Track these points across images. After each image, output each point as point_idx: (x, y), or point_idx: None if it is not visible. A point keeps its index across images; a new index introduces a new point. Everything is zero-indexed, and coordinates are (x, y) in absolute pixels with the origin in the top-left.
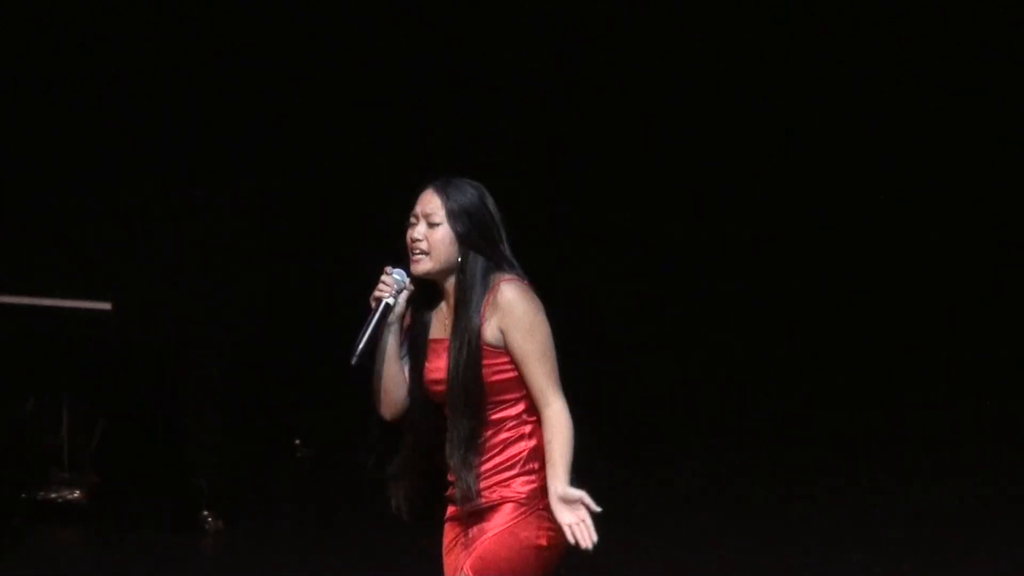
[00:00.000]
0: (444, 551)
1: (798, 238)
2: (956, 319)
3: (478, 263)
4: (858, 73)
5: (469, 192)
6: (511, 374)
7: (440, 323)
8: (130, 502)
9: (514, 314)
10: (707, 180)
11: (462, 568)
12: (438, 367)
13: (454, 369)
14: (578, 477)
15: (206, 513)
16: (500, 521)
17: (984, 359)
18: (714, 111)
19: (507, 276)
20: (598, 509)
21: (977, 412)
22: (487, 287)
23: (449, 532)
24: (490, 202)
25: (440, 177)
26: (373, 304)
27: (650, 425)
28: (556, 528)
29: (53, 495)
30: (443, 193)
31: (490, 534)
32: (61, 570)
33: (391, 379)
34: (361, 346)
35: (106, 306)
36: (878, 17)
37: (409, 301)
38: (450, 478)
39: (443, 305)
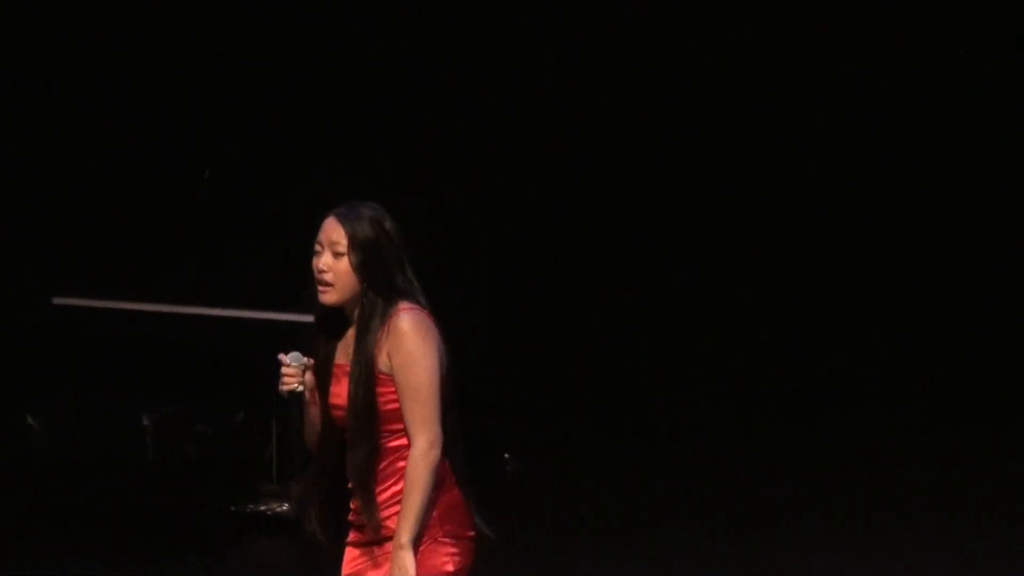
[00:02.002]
0: (344, 574)
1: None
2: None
3: (379, 291)
4: (858, 73)
5: (370, 218)
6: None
7: (344, 349)
8: (337, 514)
9: (402, 346)
10: (707, 180)
11: None
12: (339, 393)
13: (352, 396)
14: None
15: None
16: (388, 547)
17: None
18: (713, 111)
19: (406, 305)
20: None
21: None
22: (387, 315)
23: (351, 556)
24: (391, 228)
25: (343, 204)
26: (285, 396)
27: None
28: (460, 551)
29: (262, 507)
30: (346, 223)
31: (386, 563)
32: None
33: (315, 418)
34: (295, 439)
35: (311, 319)
36: (878, 17)
37: (316, 329)
38: (352, 504)
39: (349, 331)
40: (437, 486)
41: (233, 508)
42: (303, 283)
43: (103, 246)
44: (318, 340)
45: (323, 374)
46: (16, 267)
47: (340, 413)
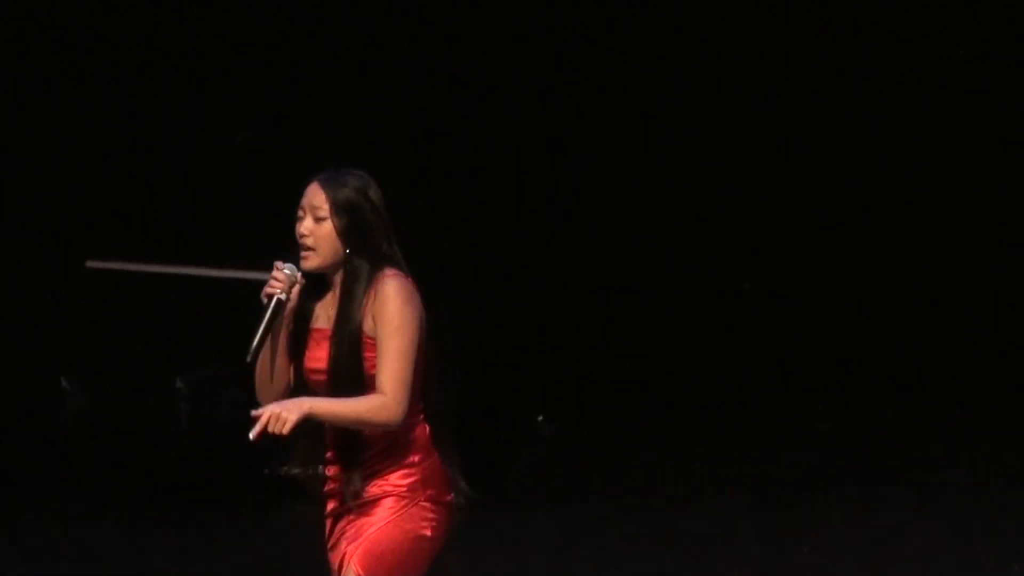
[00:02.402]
0: (328, 547)
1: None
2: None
3: (364, 258)
4: (858, 73)
5: (354, 185)
6: None
7: (325, 313)
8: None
9: (386, 309)
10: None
11: (348, 563)
12: (319, 357)
13: (335, 361)
14: None
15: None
16: (384, 515)
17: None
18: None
19: (392, 271)
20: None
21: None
22: (372, 280)
23: (330, 527)
24: (375, 194)
25: (326, 170)
26: (265, 300)
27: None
28: (438, 518)
29: (296, 470)
30: (328, 188)
31: (375, 528)
32: (303, 545)
33: (275, 369)
34: (256, 343)
35: None
36: (878, 17)
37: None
38: (329, 472)
39: (329, 296)
40: (419, 451)
41: (267, 472)
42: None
43: (138, 208)
44: (297, 303)
45: (300, 337)
46: (50, 229)
47: (319, 377)
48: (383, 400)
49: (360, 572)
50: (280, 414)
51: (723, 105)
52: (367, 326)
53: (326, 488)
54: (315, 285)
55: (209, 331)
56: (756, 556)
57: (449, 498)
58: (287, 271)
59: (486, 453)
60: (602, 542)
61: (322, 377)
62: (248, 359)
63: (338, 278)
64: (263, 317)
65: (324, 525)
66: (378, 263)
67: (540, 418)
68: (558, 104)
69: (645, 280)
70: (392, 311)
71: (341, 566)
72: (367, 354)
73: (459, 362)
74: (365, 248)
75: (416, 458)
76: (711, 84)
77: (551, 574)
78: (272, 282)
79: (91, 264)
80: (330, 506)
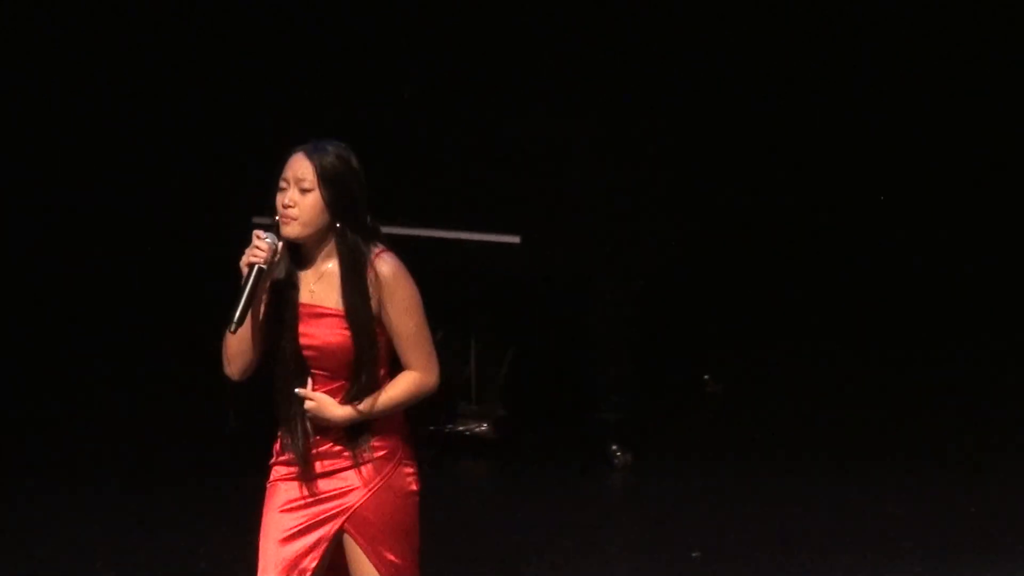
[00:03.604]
0: (276, 508)
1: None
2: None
3: (354, 230)
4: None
5: (339, 155)
6: (383, 345)
7: (306, 288)
8: (538, 435)
9: (396, 293)
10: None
11: (333, 528)
12: (312, 333)
13: (359, 345)
14: None
15: (615, 447)
16: (370, 477)
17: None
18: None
19: (380, 248)
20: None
21: None
22: (367, 258)
23: (288, 491)
24: (358, 165)
25: (309, 141)
26: (245, 270)
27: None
28: (416, 472)
29: (461, 428)
30: (314, 158)
31: (365, 491)
32: (469, 503)
33: (246, 341)
34: (239, 314)
35: (514, 239)
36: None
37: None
38: (287, 439)
39: (310, 269)
40: (407, 409)
41: (432, 428)
42: (498, 203)
43: None
44: (276, 274)
45: (286, 311)
46: (217, 186)
47: (313, 353)
48: (417, 377)
49: (359, 539)
50: (322, 414)
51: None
52: (373, 306)
53: (284, 458)
54: (287, 257)
55: None
56: (923, 521)
57: (418, 452)
58: (268, 240)
59: (652, 411)
60: (766, 502)
61: (310, 352)
62: (232, 330)
63: (319, 251)
64: (244, 287)
65: (278, 486)
66: (368, 238)
67: (706, 376)
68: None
69: (820, 239)
70: (401, 291)
71: (308, 530)
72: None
73: (628, 320)
74: (352, 220)
75: (396, 421)
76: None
77: (715, 532)
78: (254, 251)
79: (257, 220)
80: (288, 471)
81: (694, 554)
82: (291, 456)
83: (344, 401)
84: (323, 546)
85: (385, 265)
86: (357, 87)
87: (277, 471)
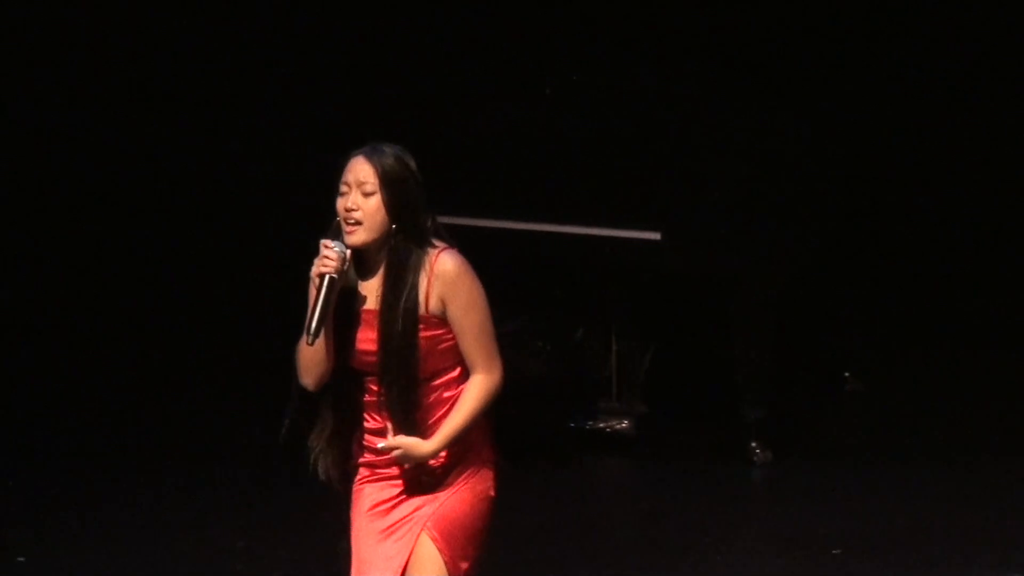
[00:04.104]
0: (364, 511)
1: None
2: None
3: (410, 232)
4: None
5: (398, 159)
6: (453, 342)
7: (372, 294)
8: (678, 432)
9: (456, 288)
10: None
11: (418, 529)
12: (370, 338)
13: (386, 339)
14: None
15: (754, 444)
16: (455, 478)
17: None
18: None
19: (443, 246)
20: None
21: None
22: (424, 257)
23: (374, 493)
24: (415, 167)
25: (367, 144)
26: (317, 280)
27: None
28: (496, 476)
29: (601, 424)
30: (375, 161)
31: (449, 492)
32: (610, 499)
33: (321, 352)
34: (316, 324)
35: (655, 236)
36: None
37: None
38: (376, 444)
39: (372, 275)
40: (486, 414)
41: (572, 425)
42: (642, 201)
43: (444, 163)
44: (344, 282)
45: (349, 318)
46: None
47: (370, 358)
48: (481, 380)
49: (437, 537)
50: (412, 457)
51: None
52: (432, 305)
53: (360, 460)
54: (353, 264)
55: (513, 286)
56: None
57: (497, 456)
58: (336, 249)
59: (792, 409)
60: (906, 500)
61: (372, 358)
62: (309, 342)
63: (383, 255)
64: (318, 297)
65: (361, 493)
66: (424, 238)
67: (847, 374)
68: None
69: (960, 237)
70: (463, 288)
71: (397, 530)
72: (430, 333)
73: (769, 317)
74: (411, 222)
75: (484, 420)
76: None
77: (855, 530)
78: (324, 260)
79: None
80: (368, 474)
81: (835, 551)
82: (372, 458)
83: (398, 408)
84: (410, 547)
85: (445, 263)
86: (501, 83)
87: (361, 474)
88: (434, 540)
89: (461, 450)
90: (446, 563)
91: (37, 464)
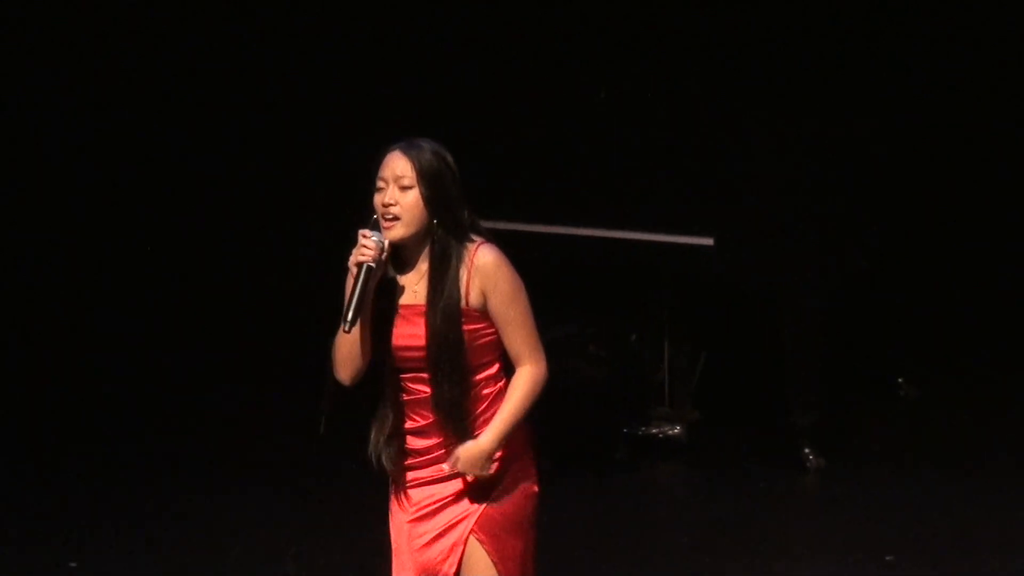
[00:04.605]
0: (405, 517)
1: None
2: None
3: (448, 227)
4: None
5: (435, 153)
6: (493, 337)
7: (410, 289)
8: (730, 438)
9: (497, 280)
10: None
11: (467, 531)
12: (409, 333)
13: (434, 335)
14: None
15: (807, 450)
16: (500, 476)
17: None
18: None
19: (480, 240)
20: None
21: None
22: (463, 251)
23: (414, 498)
24: (452, 161)
25: (403, 139)
26: (355, 269)
27: None
28: (538, 471)
29: (654, 430)
30: (411, 155)
31: (495, 491)
32: (661, 505)
33: (357, 345)
34: (353, 313)
35: (708, 241)
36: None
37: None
38: (416, 445)
39: (411, 270)
40: (534, 406)
41: (624, 431)
42: (695, 205)
43: (496, 168)
44: (380, 276)
45: (387, 313)
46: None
47: (410, 354)
48: (528, 372)
49: (484, 539)
50: (475, 462)
51: None
52: (473, 299)
53: (405, 462)
54: (391, 260)
55: (567, 291)
56: None
57: (538, 451)
58: (375, 238)
59: (846, 415)
60: (960, 507)
61: (413, 354)
62: (346, 329)
63: (421, 250)
64: (356, 286)
65: (400, 495)
66: (463, 232)
67: (901, 380)
68: None
69: (1018, 242)
70: (504, 280)
71: (443, 534)
72: (470, 326)
73: (822, 323)
74: (449, 216)
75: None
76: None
77: (908, 537)
78: (362, 250)
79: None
80: (411, 477)
81: (887, 557)
82: (413, 460)
83: (444, 404)
84: (459, 549)
85: (485, 256)
86: (555, 88)
87: (397, 479)
88: (481, 542)
89: (504, 446)
90: (495, 564)
91: (88, 470)
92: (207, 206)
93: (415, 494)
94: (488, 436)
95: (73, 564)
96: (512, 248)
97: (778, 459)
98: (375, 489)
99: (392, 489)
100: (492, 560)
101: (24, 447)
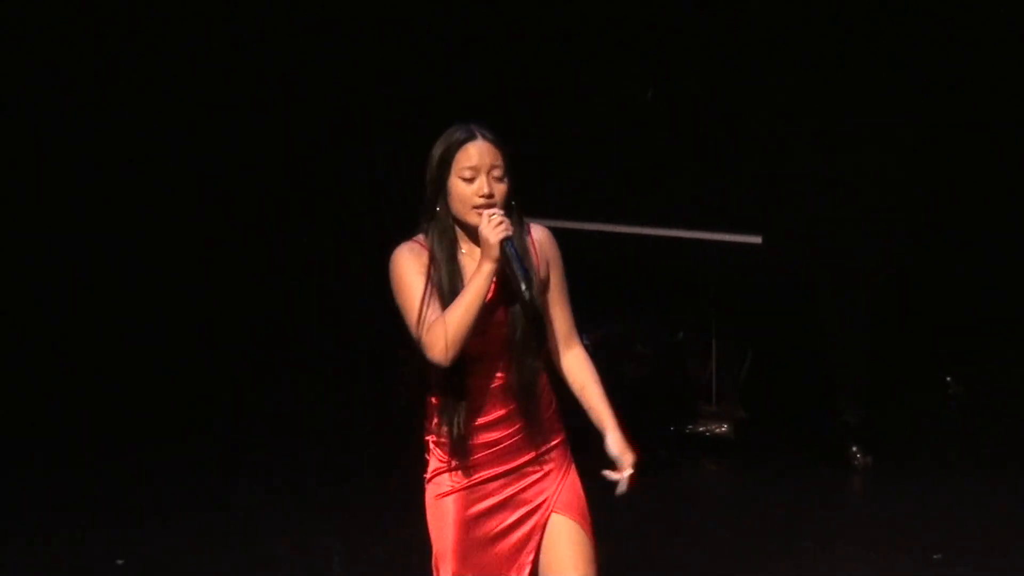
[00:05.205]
0: (466, 518)
1: None
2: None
3: (517, 206)
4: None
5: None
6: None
7: (472, 270)
8: (777, 436)
9: (556, 253)
10: None
11: (543, 517)
12: (492, 315)
13: (517, 314)
14: None
15: (854, 449)
16: (560, 462)
17: None
18: None
19: (525, 218)
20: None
21: None
22: (524, 230)
23: (472, 498)
24: None
25: (470, 126)
26: (506, 245)
27: None
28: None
29: (701, 428)
30: (498, 144)
31: (559, 476)
32: (708, 503)
33: (474, 323)
34: (524, 278)
35: (756, 239)
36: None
37: (443, 249)
38: (487, 438)
39: (468, 252)
40: (552, 395)
41: (672, 428)
42: (743, 204)
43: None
44: (443, 265)
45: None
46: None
47: (493, 334)
48: (581, 351)
49: (580, 521)
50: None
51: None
52: (543, 274)
53: (467, 461)
54: (450, 243)
55: (615, 288)
56: None
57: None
58: (500, 213)
59: (894, 413)
60: (1008, 506)
61: (495, 335)
62: (529, 297)
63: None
64: (513, 257)
65: (464, 490)
66: (520, 211)
67: (949, 378)
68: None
69: None
70: (558, 254)
71: (518, 525)
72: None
73: (867, 321)
74: (517, 199)
75: (553, 406)
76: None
77: (956, 535)
78: (500, 226)
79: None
80: (482, 475)
81: (935, 556)
82: (483, 455)
83: (522, 391)
84: (537, 536)
85: (540, 232)
86: (603, 86)
87: (443, 484)
88: (568, 516)
89: (549, 432)
90: (585, 532)
91: (136, 467)
92: (207, 206)
93: (485, 487)
94: (614, 422)
95: (120, 561)
96: (559, 246)
97: (825, 458)
98: (412, 487)
99: (447, 486)
100: (584, 529)
101: (75, 445)
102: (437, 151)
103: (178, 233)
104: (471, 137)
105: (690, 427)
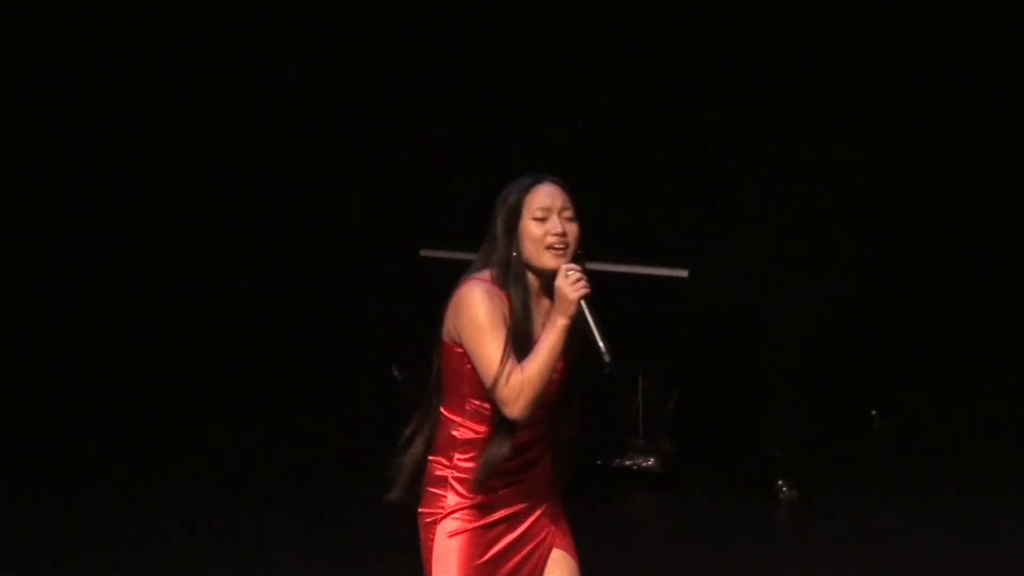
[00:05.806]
0: (478, 555)
1: None
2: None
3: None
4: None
5: None
6: None
7: (541, 320)
8: (704, 470)
9: None
10: None
11: (549, 546)
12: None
13: (575, 360)
14: None
15: (781, 482)
16: (554, 499)
17: None
18: None
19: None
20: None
21: None
22: None
23: (484, 538)
24: None
25: (536, 174)
26: (584, 304)
27: None
28: None
29: (628, 462)
30: (566, 188)
31: (556, 513)
32: (636, 537)
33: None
34: (603, 343)
35: (683, 273)
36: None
37: (519, 296)
38: (506, 480)
39: (542, 300)
40: None
41: (598, 462)
42: (670, 237)
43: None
44: (516, 312)
45: (526, 345)
46: (385, 220)
47: (553, 382)
48: None
49: (576, 558)
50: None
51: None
52: None
53: (487, 498)
54: (523, 290)
55: None
56: None
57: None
58: (576, 269)
59: (819, 447)
60: (935, 539)
61: (554, 382)
62: (609, 359)
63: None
64: (591, 318)
65: (465, 538)
66: None
67: (875, 412)
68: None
69: (986, 271)
70: None
71: (529, 557)
72: None
73: (797, 355)
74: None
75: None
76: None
77: (882, 569)
78: (582, 282)
79: (425, 254)
80: (496, 516)
81: None
82: (485, 499)
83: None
84: (543, 563)
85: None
86: (529, 118)
87: (457, 521)
88: (566, 552)
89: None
90: (578, 567)
91: (136, 467)
92: (207, 206)
93: (485, 534)
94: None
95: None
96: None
97: (752, 491)
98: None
99: (461, 524)
100: (577, 564)
101: (75, 445)
102: (508, 199)
103: (178, 233)
104: (541, 180)
105: (617, 460)
